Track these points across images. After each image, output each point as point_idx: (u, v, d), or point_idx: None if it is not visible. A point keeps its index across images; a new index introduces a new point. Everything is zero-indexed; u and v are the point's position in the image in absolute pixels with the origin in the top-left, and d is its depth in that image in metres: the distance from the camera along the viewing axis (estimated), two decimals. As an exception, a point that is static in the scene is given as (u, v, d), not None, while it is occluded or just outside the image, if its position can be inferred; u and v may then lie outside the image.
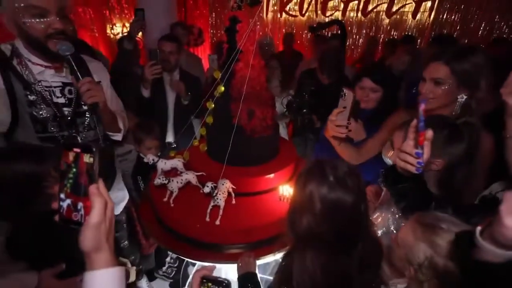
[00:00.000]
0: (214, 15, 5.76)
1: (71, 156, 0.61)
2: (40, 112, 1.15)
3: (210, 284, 0.88)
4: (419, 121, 0.80)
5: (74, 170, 0.61)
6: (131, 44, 2.39)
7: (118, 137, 1.48)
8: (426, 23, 5.04)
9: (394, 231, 0.98)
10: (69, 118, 1.22)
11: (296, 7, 5.41)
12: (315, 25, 3.54)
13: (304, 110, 2.15)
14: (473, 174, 1.00)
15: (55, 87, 1.20)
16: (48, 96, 1.17)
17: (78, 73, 1.12)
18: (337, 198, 0.78)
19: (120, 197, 1.60)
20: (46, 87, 1.17)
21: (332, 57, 2.44)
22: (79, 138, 1.24)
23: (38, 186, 0.61)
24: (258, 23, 1.33)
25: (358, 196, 0.80)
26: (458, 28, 4.89)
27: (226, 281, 0.90)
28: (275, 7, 5.48)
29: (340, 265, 0.83)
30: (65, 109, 1.21)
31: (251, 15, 1.31)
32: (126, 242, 1.76)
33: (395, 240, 0.91)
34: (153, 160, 1.44)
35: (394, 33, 5.17)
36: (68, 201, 0.62)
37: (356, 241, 0.83)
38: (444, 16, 4.91)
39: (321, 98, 2.09)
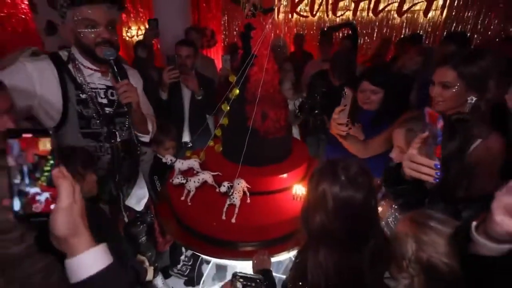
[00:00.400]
0: (226, 17, 5.82)
1: (43, 145, 0.56)
2: (86, 110, 1.29)
3: (242, 280, 0.81)
4: (437, 135, 0.81)
5: (52, 162, 0.57)
6: (145, 52, 2.51)
7: (146, 138, 1.59)
8: (438, 21, 4.93)
9: (393, 223, 1.02)
10: (109, 116, 1.36)
11: (307, 8, 5.42)
12: (326, 29, 3.52)
13: (316, 111, 2.18)
14: (466, 169, 1.01)
15: (100, 89, 1.36)
16: (94, 97, 1.32)
17: (118, 76, 1.28)
18: (348, 196, 0.82)
19: (142, 194, 1.69)
20: (93, 88, 1.33)
21: (343, 58, 2.45)
22: (117, 134, 1.38)
23: None
24: (271, 27, 1.37)
25: (368, 194, 0.84)
26: (472, 25, 4.71)
27: (259, 278, 0.81)
28: (286, 8, 5.51)
29: (352, 262, 0.86)
30: (106, 109, 1.36)
31: (265, 21, 1.36)
32: (144, 238, 1.84)
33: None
34: (171, 160, 1.51)
35: (407, 32, 5.06)
36: (46, 194, 0.57)
37: (367, 238, 0.86)
38: (458, 14, 4.74)
39: (332, 99, 2.10)
